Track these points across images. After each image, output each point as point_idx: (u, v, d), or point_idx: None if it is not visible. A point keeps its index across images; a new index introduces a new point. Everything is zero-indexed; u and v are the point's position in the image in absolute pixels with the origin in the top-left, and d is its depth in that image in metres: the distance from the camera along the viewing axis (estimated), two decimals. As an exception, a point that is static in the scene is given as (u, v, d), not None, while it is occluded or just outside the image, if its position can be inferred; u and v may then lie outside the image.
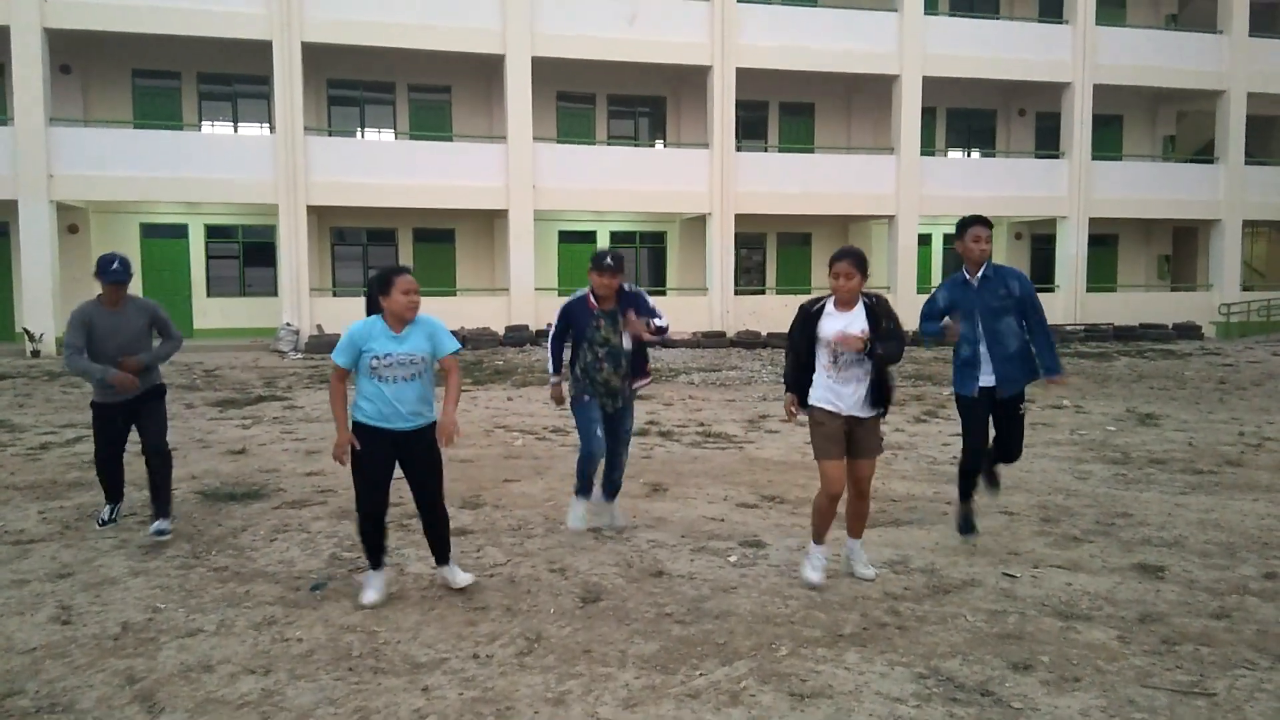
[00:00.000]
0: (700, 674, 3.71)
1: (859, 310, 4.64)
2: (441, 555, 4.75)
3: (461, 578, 4.70)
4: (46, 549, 5.42)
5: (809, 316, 4.76)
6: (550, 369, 5.78)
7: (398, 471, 4.57)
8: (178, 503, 6.50)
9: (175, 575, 4.91)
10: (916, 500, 6.63)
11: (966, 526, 5.50)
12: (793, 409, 4.88)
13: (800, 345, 4.79)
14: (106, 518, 5.86)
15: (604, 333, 5.42)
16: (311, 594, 4.67)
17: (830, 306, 4.71)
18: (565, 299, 5.56)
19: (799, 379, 4.82)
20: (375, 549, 4.58)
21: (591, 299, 5.44)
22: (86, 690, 3.59)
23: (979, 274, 5.29)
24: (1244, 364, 17.29)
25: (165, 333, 5.83)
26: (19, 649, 3.98)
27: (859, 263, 4.63)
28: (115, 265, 5.52)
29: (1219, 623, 4.24)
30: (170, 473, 5.76)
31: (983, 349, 5.25)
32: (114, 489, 5.89)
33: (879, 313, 4.63)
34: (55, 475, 7.42)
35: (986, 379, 5.26)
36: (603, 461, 5.62)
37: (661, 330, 5.44)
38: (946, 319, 5.35)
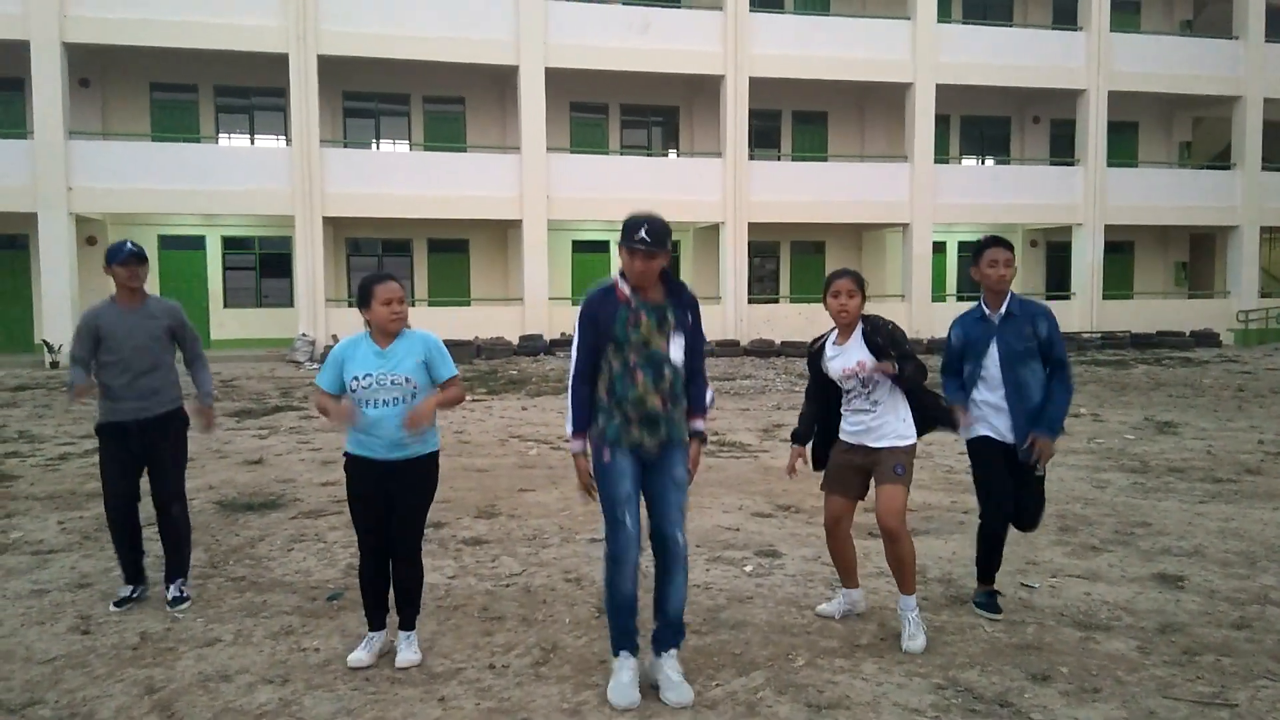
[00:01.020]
0: (717, 684, 3.70)
1: (856, 339, 4.20)
2: (405, 618, 4.02)
3: (412, 656, 3.93)
4: (66, 559, 5.46)
5: (812, 358, 4.40)
6: (569, 426, 3.77)
7: None
8: (195, 512, 6.53)
9: (193, 585, 4.93)
10: (933, 510, 6.60)
11: (991, 604, 4.52)
12: (796, 464, 4.45)
13: (813, 390, 4.46)
14: (126, 596, 4.70)
15: (644, 331, 3.65)
16: (328, 604, 4.68)
17: (830, 341, 4.31)
18: (589, 293, 3.81)
19: (806, 431, 4.47)
20: (374, 603, 4.01)
21: (622, 287, 3.70)
22: (106, 700, 3.61)
23: (1002, 309, 4.43)
24: (1263, 371, 17.15)
25: (191, 349, 4.95)
26: (39, 659, 4.01)
27: (860, 282, 4.22)
28: (128, 245, 4.73)
29: (1240, 633, 4.20)
30: (187, 534, 4.84)
31: (992, 403, 4.44)
32: (132, 564, 4.76)
33: (876, 336, 4.17)
34: (74, 486, 7.48)
35: (992, 432, 4.45)
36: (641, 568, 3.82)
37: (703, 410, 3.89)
38: (955, 406, 4.53)
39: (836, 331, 4.29)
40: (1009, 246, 4.48)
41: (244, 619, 4.46)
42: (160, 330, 4.76)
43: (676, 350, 3.70)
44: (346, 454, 4.00)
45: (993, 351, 4.42)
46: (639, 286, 3.69)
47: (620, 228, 3.68)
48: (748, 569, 5.18)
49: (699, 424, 3.83)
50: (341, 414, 3.88)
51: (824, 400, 4.42)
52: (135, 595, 4.72)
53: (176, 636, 4.25)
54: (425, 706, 3.53)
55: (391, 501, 3.95)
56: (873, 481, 4.25)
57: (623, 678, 3.60)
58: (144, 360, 4.68)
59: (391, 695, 3.63)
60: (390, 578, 4.03)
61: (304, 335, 20.04)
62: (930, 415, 4.37)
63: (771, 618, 4.43)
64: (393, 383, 3.85)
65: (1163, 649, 4.02)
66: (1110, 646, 4.05)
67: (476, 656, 4.00)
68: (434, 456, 4.05)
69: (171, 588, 4.71)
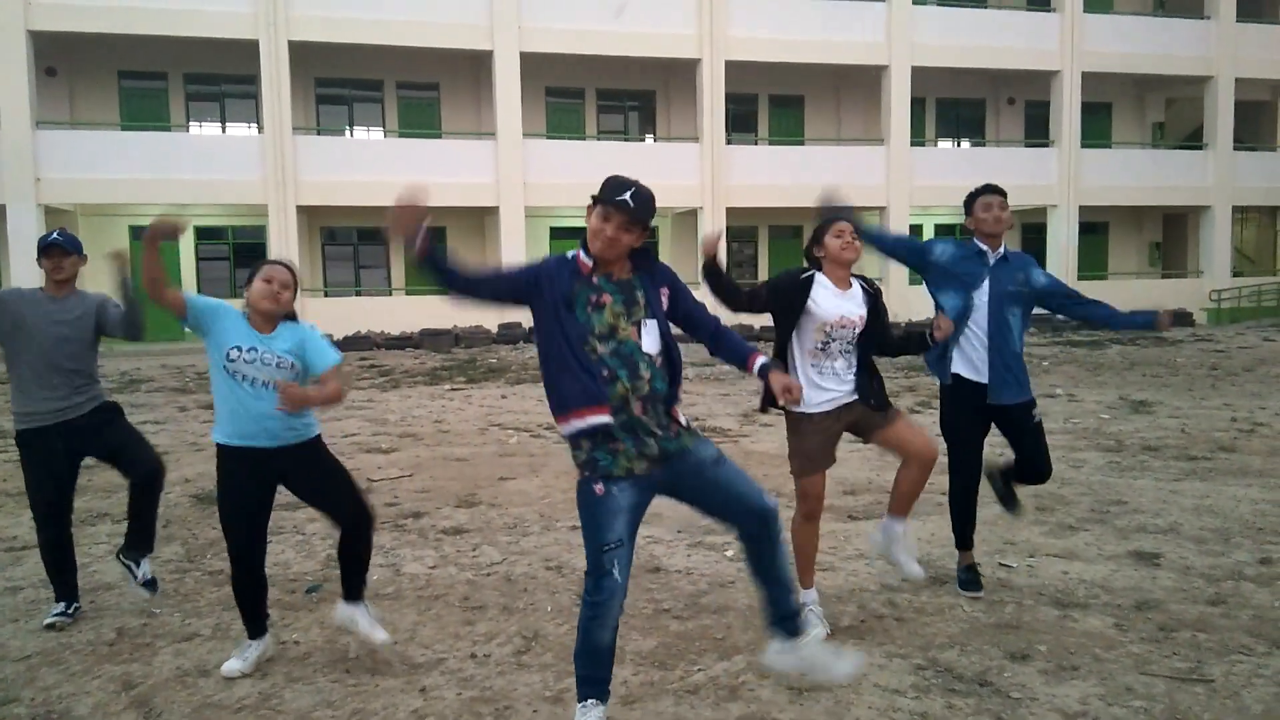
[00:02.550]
0: (699, 669, 3.71)
1: (856, 291, 3.99)
2: (351, 588, 3.85)
3: (379, 633, 3.82)
4: (39, 556, 5.38)
5: (799, 285, 3.93)
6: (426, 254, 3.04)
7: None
8: (170, 506, 6.48)
9: (170, 580, 4.89)
10: (912, 491, 6.62)
11: (972, 581, 4.47)
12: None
13: (776, 315, 3.96)
14: (60, 613, 4.32)
15: (608, 317, 3.00)
16: (307, 596, 4.65)
17: (826, 281, 3.96)
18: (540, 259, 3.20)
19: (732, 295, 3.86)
20: (251, 610, 3.76)
21: (584, 259, 3.05)
22: (82, 697, 3.57)
23: (999, 251, 4.36)
24: (1235, 350, 17.34)
25: (119, 314, 4.43)
26: (13, 656, 3.96)
27: (859, 227, 4.00)
28: (55, 234, 4.38)
29: (1215, 609, 4.25)
30: (157, 504, 4.58)
31: (975, 340, 4.30)
32: (66, 582, 4.40)
33: (879, 303, 4.05)
34: (48, 480, 7.37)
35: (969, 371, 4.32)
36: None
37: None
38: (938, 311, 4.36)
39: (829, 277, 3.97)
40: (1003, 192, 4.40)
41: (222, 613, 4.42)
42: (87, 326, 4.34)
43: (649, 340, 3.03)
44: (220, 445, 3.64)
45: (985, 288, 4.30)
46: (603, 259, 3.02)
47: (600, 186, 3.05)
48: (729, 554, 5.18)
49: (761, 359, 3.22)
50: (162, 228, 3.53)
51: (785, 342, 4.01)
52: (70, 613, 4.36)
53: (153, 632, 4.21)
54: (406, 697, 3.52)
55: (289, 488, 3.75)
56: (870, 435, 4.08)
57: None
58: (65, 355, 4.28)
59: (372, 686, 3.61)
60: (263, 580, 3.81)
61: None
62: (903, 339, 4.28)
63: (753, 602, 4.42)
64: (278, 365, 3.57)
65: (1139, 626, 4.06)
66: (1088, 624, 4.09)
67: (458, 646, 3.99)
68: (319, 439, 3.79)
69: (143, 569, 4.41)
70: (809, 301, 3.89)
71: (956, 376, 4.37)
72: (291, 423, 3.63)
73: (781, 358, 4.00)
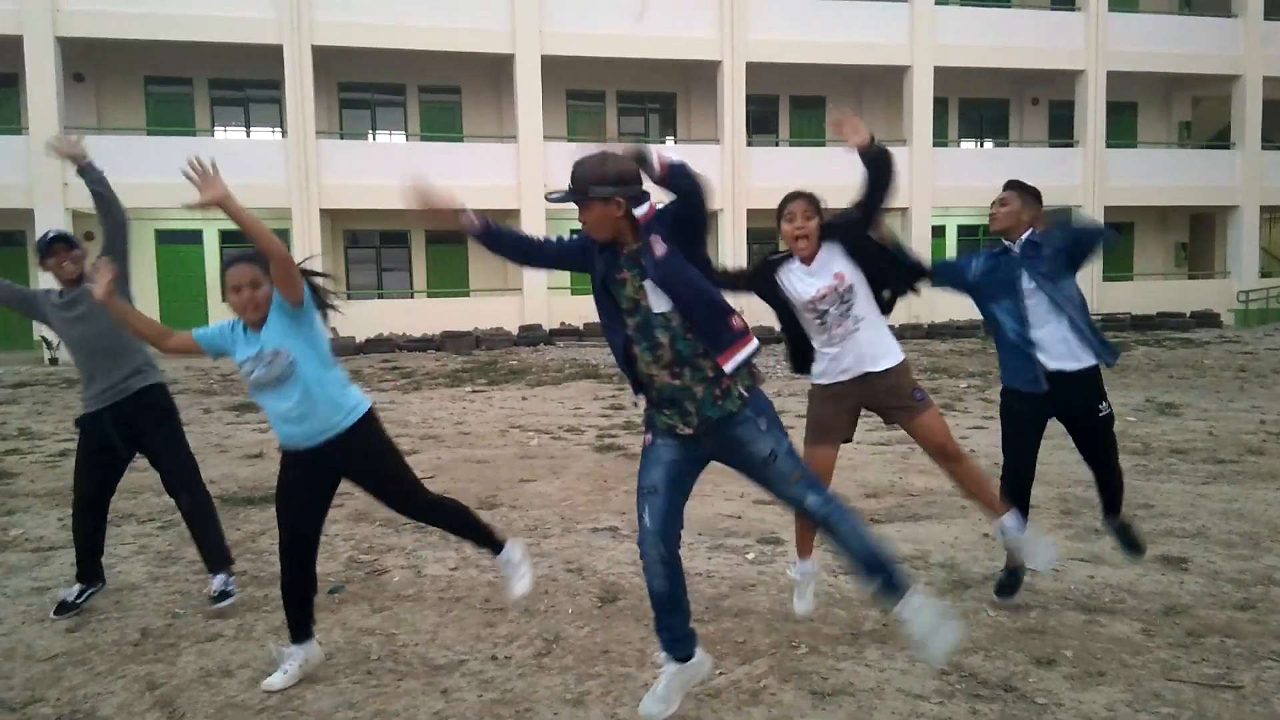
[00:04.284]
0: (720, 673, 3.69)
1: (826, 258, 3.82)
2: (489, 545, 3.96)
3: (520, 586, 3.95)
4: (66, 556, 5.43)
5: (767, 268, 3.89)
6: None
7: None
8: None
9: (194, 581, 4.92)
10: (935, 494, 6.58)
11: (1007, 586, 4.38)
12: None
13: (786, 322, 3.92)
14: (71, 599, 4.43)
15: (629, 292, 3.05)
16: (329, 597, 4.67)
17: (795, 264, 3.86)
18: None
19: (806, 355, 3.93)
20: (297, 612, 3.68)
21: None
22: (107, 697, 3.60)
23: (1021, 240, 4.23)
24: (1263, 351, 17.12)
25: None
26: (40, 656, 4.00)
27: (815, 202, 3.84)
28: (50, 233, 4.50)
29: (1244, 614, 4.19)
30: (213, 516, 4.62)
31: (1043, 331, 4.12)
32: (87, 560, 4.48)
33: (837, 224, 3.83)
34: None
35: (1051, 361, 4.10)
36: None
37: (675, 169, 3.05)
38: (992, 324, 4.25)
39: (797, 258, 3.86)
40: (1017, 187, 4.29)
41: (245, 614, 4.45)
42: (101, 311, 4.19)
43: (656, 300, 2.99)
44: (280, 448, 3.69)
45: (1025, 279, 4.15)
46: (602, 241, 3.06)
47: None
48: (750, 556, 5.16)
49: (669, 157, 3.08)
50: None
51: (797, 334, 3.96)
52: (81, 600, 4.44)
53: (177, 632, 4.24)
54: (427, 699, 3.52)
55: (350, 481, 3.69)
56: (892, 417, 3.96)
57: (657, 685, 3.24)
58: (95, 340, 4.36)
59: (394, 688, 3.62)
60: (311, 580, 3.73)
61: (303, 328, 20.01)
62: (911, 265, 4.10)
63: (774, 605, 4.42)
64: (269, 360, 3.44)
65: (1167, 631, 4.01)
66: (1114, 629, 4.04)
67: (479, 648, 3.99)
68: (367, 420, 3.63)
69: (216, 581, 4.47)
70: (782, 287, 3.84)
71: (1014, 391, 4.23)
72: (324, 415, 3.51)
73: (795, 344, 3.98)
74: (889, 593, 3.15)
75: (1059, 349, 4.11)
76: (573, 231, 3.24)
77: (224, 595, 4.45)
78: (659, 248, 2.98)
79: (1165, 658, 3.75)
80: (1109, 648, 3.85)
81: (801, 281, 3.83)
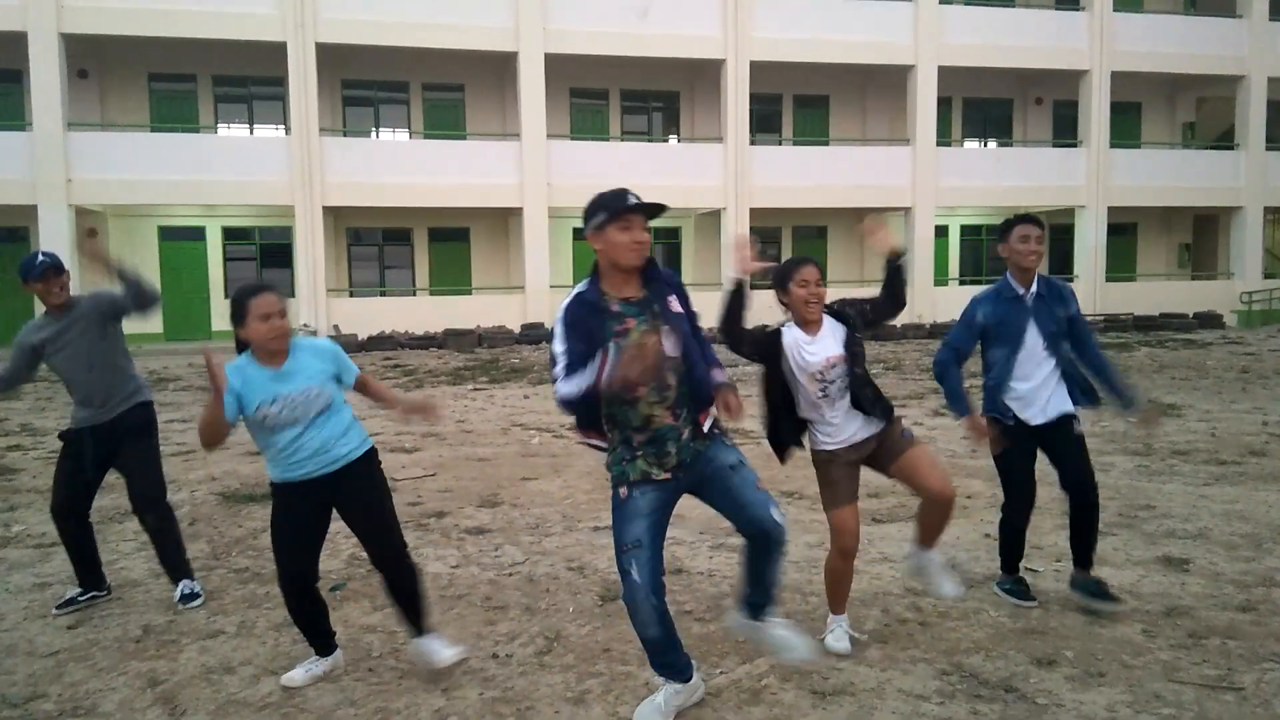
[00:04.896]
0: (721, 672, 3.69)
1: (828, 326, 3.76)
2: (415, 623, 3.71)
3: (447, 653, 3.68)
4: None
5: (768, 343, 3.74)
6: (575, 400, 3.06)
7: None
8: (196, 504, 6.54)
9: (196, 577, 4.92)
10: (936, 494, 6.57)
11: (1021, 592, 4.42)
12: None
13: (774, 391, 3.80)
14: (71, 596, 4.52)
15: (635, 338, 3.04)
16: (331, 595, 4.67)
17: (797, 333, 3.75)
18: (564, 303, 3.16)
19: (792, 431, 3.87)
20: (314, 628, 3.71)
21: (594, 291, 3.14)
22: (109, 693, 3.61)
23: (1032, 289, 4.24)
24: (1266, 353, 17.09)
25: (123, 296, 4.39)
26: (42, 652, 4.01)
27: (822, 271, 3.83)
28: (39, 256, 4.39)
29: (1245, 615, 4.18)
30: (174, 532, 4.65)
31: (1027, 385, 4.23)
32: (83, 566, 4.53)
33: (847, 308, 3.83)
34: (77, 478, 7.46)
35: (1023, 410, 4.26)
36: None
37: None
38: (971, 414, 4.23)
39: (796, 326, 3.78)
40: (1041, 224, 4.30)
41: (247, 610, 4.46)
42: (93, 326, 4.38)
43: (670, 345, 3.09)
44: (274, 484, 3.60)
45: (1031, 333, 4.21)
46: (623, 279, 3.11)
47: (591, 210, 3.08)
48: (751, 556, 5.16)
49: (719, 375, 3.24)
50: (216, 375, 3.36)
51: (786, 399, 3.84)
52: (83, 599, 4.52)
53: (179, 629, 4.24)
54: (429, 697, 3.53)
55: (340, 515, 3.64)
56: (886, 466, 3.87)
57: (657, 697, 3.29)
58: (82, 365, 4.39)
59: (395, 686, 3.63)
60: (321, 604, 3.71)
61: (305, 325, 20.04)
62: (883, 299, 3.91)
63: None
64: (312, 397, 3.47)
65: (1168, 632, 4.01)
66: (1116, 630, 4.04)
67: (480, 646, 4.00)
68: (373, 452, 3.69)
69: (180, 587, 4.57)
70: (787, 356, 3.73)
71: (1015, 417, 4.29)
72: (343, 442, 3.55)
73: (782, 412, 3.83)
74: (755, 610, 3.42)
75: (1038, 403, 4.25)
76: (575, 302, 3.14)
77: (191, 596, 4.53)
78: (675, 304, 3.19)
79: (1166, 659, 3.74)
80: (1110, 648, 3.85)
81: (807, 349, 3.72)
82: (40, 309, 4.55)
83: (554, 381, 3.04)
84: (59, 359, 4.39)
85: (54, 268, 4.35)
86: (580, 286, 3.16)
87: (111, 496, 6.79)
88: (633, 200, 3.04)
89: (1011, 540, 4.46)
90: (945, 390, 4.33)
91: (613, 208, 3.04)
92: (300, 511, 3.55)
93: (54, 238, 18.99)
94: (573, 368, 3.01)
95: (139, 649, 4.03)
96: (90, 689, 3.65)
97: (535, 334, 20.58)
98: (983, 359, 4.42)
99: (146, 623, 4.32)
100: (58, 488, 4.52)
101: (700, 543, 5.41)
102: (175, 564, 4.61)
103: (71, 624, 4.31)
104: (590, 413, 3.16)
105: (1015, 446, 4.31)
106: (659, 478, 3.13)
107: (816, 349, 3.71)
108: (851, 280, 23.89)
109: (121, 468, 4.56)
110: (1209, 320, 23.50)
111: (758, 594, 3.37)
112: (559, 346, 3.06)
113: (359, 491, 3.60)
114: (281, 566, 3.58)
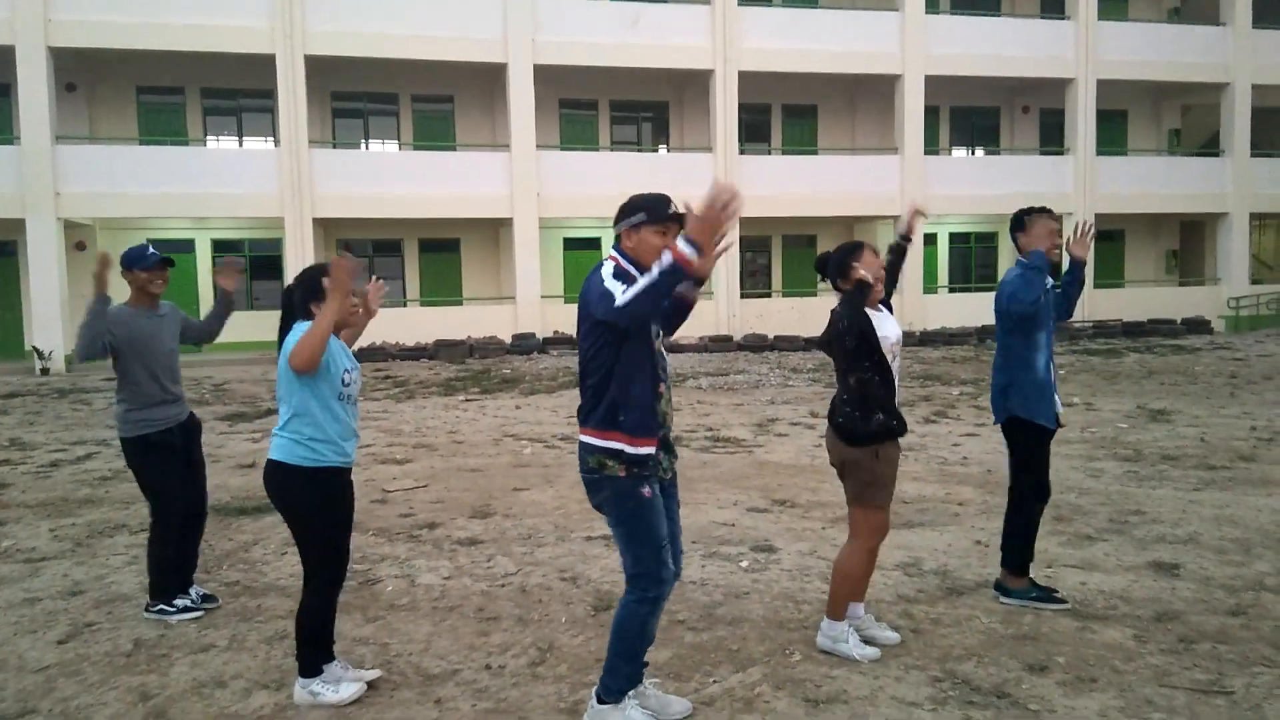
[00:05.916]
0: (714, 681, 3.69)
1: (884, 311, 3.93)
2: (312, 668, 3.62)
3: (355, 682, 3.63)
4: (58, 566, 5.43)
5: (864, 320, 3.74)
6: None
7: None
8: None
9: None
10: (928, 501, 6.60)
11: (1050, 596, 4.43)
12: None
13: (872, 359, 3.78)
14: (193, 603, 4.62)
15: (654, 333, 3.27)
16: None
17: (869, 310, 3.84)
18: (604, 262, 3.23)
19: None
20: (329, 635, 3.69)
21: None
22: (100, 708, 3.59)
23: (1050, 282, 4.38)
24: (1254, 358, 17.20)
25: (202, 325, 4.89)
26: (32, 667, 3.99)
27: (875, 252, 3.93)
28: (151, 249, 4.59)
29: (1235, 620, 4.21)
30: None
31: (1050, 371, 4.33)
32: (188, 567, 4.72)
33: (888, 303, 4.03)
34: (66, 493, 7.44)
35: (1059, 406, 4.42)
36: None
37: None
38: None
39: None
40: (1058, 216, 4.38)
41: (238, 624, 4.44)
42: (176, 331, 4.71)
43: (661, 348, 3.29)
44: (319, 469, 3.46)
45: (1050, 321, 4.37)
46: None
47: (631, 208, 3.21)
48: (744, 564, 5.17)
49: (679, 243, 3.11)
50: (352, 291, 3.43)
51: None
52: (200, 602, 4.62)
53: (170, 643, 4.22)
54: (422, 708, 3.52)
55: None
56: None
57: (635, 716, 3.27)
58: (172, 364, 4.64)
59: (387, 698, 3.62)
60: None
61: (296, 337, 19.97)
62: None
63: (768, 613, 4.42)
64: (358, 379, 3.66)
65: (1159, 637, 4.03)
66: (1107, 636, 4.05)
67: (473, 657, 3.99)
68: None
69: (192, 589, 4.66)
70: (874, 328, 3.75)
71: (1043, 427, 4.37)
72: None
73: (873, 390, 3.81)
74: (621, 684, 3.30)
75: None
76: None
77: (212, 597, 4.77)
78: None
79: (1157, 664, 3.76)
80: (1101, 654, 3.86)
81: (883, 324, 3.80)
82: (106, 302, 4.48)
83: (613, 307, 2.96)
84: (152, 351, 4.52)
85: (165, 260, 4.59)
86: (618, 255, 3.21)
87: (101, 510, 6.77)
88: (674, 209, 3.16)
89: (1033, 536, 4.48)
90: (1033, 284, 4.21)
91: (656, 213, 3.16)
92: (347, 503, 3.64)
93: (43, 251, 18.92)
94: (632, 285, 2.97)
95: (130, 663, 4.01)
96: (81, 704, 3.62)
97: (526, 344, 20.56)
98: (1023, 343, 4.30)
99: (137, 637, 4.30)
100: (177, 489, 4.58)
101: (693, 552, 5.41)
102: (192, 561, 4.78)
103: (61, 639, 4.29)
104: (668, 320, 3.32)
105: (1046, 445, 4.42)
106: (664, 477, 3.32)
107: (887, 323, 3.83)
108: (841, 288, 23.88)
109: (192, 469, 4.75)
110: (1197, 326, 23.62)
111: (630, 645, 3.31)
112: (615, 282, 3.02)
113: (350, 491, 3.73)
114: (332, 566, 3.63)
